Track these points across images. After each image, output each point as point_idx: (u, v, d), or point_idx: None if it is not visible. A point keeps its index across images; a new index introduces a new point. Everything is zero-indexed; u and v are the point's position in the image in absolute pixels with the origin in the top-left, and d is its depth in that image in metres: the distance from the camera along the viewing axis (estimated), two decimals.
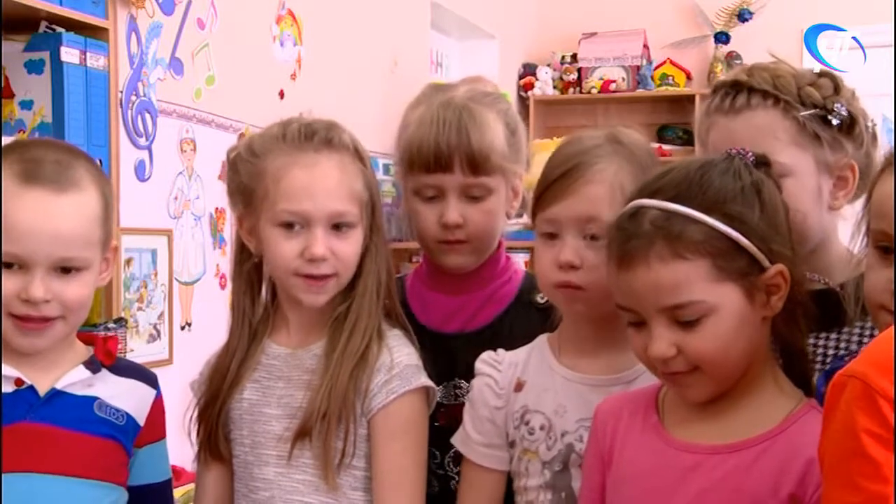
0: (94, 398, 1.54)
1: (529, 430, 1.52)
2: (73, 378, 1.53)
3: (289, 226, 1.56)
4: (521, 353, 1.58)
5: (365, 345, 1.56)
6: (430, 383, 1.58)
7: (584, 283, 1.47)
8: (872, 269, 1.30)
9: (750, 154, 1.35)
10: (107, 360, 1.58)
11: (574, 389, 1.51)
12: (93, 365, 1.56)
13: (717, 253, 1.26)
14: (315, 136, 1.58)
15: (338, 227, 1.57)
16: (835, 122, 1.53)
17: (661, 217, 1.28)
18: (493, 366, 1.57)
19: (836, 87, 1.57)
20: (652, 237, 1.27)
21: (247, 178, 1.60)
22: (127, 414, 1.57)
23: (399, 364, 1.56)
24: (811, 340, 1.49)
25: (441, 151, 1.65)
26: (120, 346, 2.78)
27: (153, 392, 1.62)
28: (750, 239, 1.28)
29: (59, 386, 1.52)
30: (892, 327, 1.08)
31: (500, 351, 1.59)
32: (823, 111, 1.53)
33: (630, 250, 1.28)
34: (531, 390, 1.54)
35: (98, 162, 2.81)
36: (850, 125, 1.54)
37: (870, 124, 1.58)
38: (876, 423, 1.00)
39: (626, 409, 1.40)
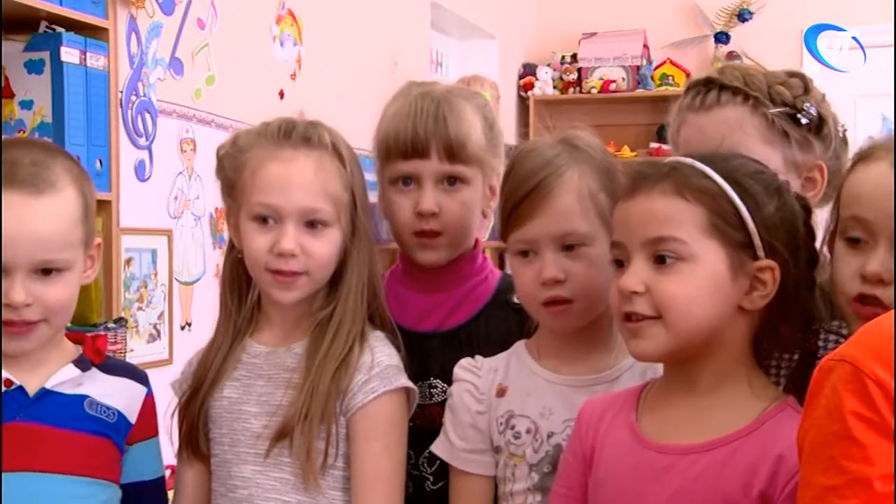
0: (85, 396, 1.54)
1: (515, 435, 1.52)
2: (63, 377, 1.53)
3: (262, 219, 1.56)
4: (499, 359, 1.58)
5: (348, 349, 1.56)
6: (410, 384, 1.57)
7: (571, 295, 1.48)
8: (840, 259, 1.31)
9: (794, 192, 1.37)
10: (96, 358, 1.57)
11: (558, 391, 1.52)
12: (82, 363, 1.55)
13: (716, 210, 1.29)
14: (294, 133, 1.59)
15: (311, 224, 1.56)
16: (804, 121, 1.55)
17: (679, 165, 1.33)
18: (473, 371, 1.57)
19: (806, 87, 1.59)
20: (663, 175, 1.31)
21: (230, 172, 1.61)
22: (118, 411, 1.56)
23: (379, 364, 1.55)
24: None
25: (418, 138, 1.65)
26: (120, 347, 2.78)
27: (144, 390, 1.61)
28: (753, 218, 1.29)
29: (48, 385, 1.51)
30: (884, 315, 1.08)
31: (478, 357, 1.59)
32: (793, 110, 1.55)
33: (639, 182, 1.33)
34: (514, 395, 1.54)
35: (98, 162, 2.82)
36: (819, 126, 1.56)
37: (840, 128, 1.60)
38: (864, 405, 1.00)
39: (609, 411, 1.40)
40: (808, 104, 1.55)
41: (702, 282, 1.28)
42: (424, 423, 1.63)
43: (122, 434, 1.57)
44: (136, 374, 1.63)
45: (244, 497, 1.58)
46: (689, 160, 1.33)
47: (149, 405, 1.62)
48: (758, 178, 1.32)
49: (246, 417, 1.59)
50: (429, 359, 1.67)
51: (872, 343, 1.04)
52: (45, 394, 1.51)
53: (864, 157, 1.32)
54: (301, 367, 1.57)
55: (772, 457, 1.24)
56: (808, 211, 1.37)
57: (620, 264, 1.33)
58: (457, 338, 1.69)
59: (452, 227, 1.68)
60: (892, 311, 1.08)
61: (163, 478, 1.67)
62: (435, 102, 1.67)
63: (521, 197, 1.49)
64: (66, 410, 1.52)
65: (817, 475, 1.03)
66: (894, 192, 1.23)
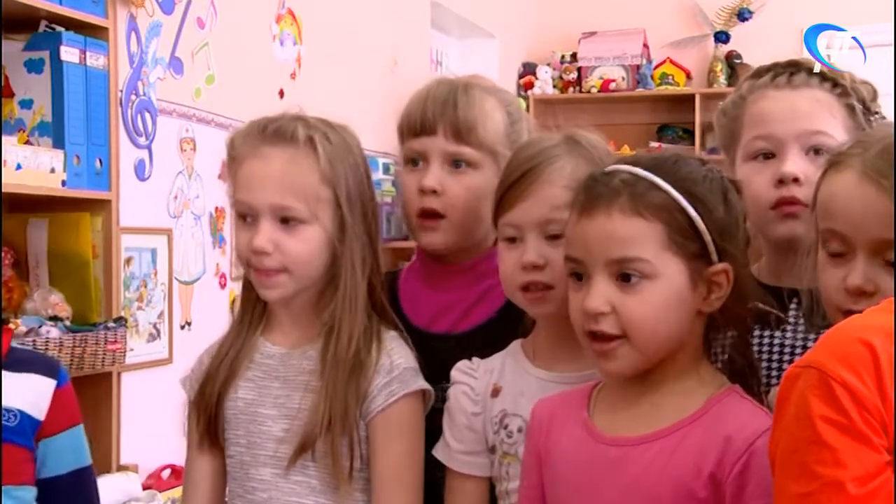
0: None
1: (508, 434, 1.52)
2: None
3: (243, 217, 1.58)
4: (495, 359, 1.58)
5: (355, 348, 1.55)
6: (427, 386, 1.57)
7: (550, 281, 1.48)
8: (824, 270, 1.31)
9: (723, 174, 1.39)
10: None
11: (550, 389, 1.51)
12: None
13: (673, 224, 1.30)
14: (268, 129, 1.59)
15: (285, 221, 1.55)
16: (874, 123, 1.57)
17: (632, 178, 1.32)
18: (469, 374, 1.57)
19: (875, 95, 1.62)
20: (619, 191, 1.31)
21: (228, 173, 1.64)
22: (20, 412, 1.51)
23: (398, 367, 1.55)
24: (756, 333, 1.53)
25: (427, 115, 1.66)
26: (120, 346, 2.78)
27: (52, 382, 1.56)
28: (707, 226, 1.31)
29: None
30: (847, 320, 1.10)
31: (475, 359, 1.59)
32: (867, 111, 1.58)
33: (595, 198, 1.32)
34: (508, 395, 1.54)
35: (98, 162, 2.82)
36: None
37: None
38: (833, 409, 1.01)
39: (561, 408, 1.41)
40: (878, 110, 1.59)
41: (665, 298, 1.29)
42: (433, 427, 1.61)
43: (29, 433, 1.52)
44: (44, 367, 1.57)
45: (263, 500, 1.57)
46: (638, 170, 1.32)
47: (61, 397, 1.56)
48: (706, 182, 1.34)
49: (262, 420, 1.59)
50: (443, 362, 1.62)
51: (837, 347, 1.05)
52: None
53: (833, 163, 1.32)
54: (317, 371, 1.56)
55: (719, 439, 1.26)
56: (738, 188, 1.39)
57: (579, 277, 1.33)
58: (472, 340, 1.66)
59: (455, 210, 1.66)
60: (856, 316, 1.10)
61: (84, 469, 1.61)
62: (450, 87, 1.69)
63: (512, 181, 1.49)
64: None
65: (791, 483, 1.03)
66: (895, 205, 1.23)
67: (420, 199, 1.66)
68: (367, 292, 1.59)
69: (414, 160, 1.69)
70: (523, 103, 1.78)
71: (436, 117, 1.66)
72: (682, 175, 1.33)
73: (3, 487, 1.47)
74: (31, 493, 1.53)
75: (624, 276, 1.29)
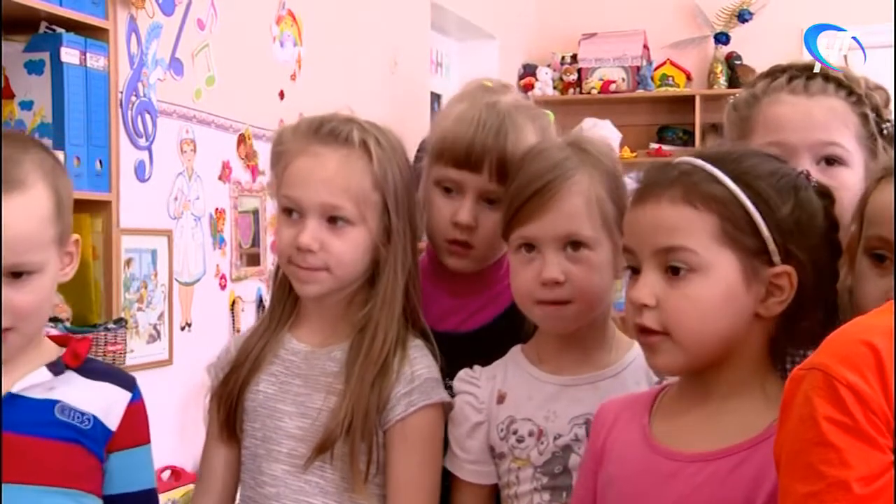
0: (56, 401, 1.47)
1: (518, 439, 1.52)
2: (32, 381, 1.46)
3: (288, 212, 1.58)
4: (496, 366, 1.58)
5: (385, 354, 1.55)
6: (448, 398, 1.58)
7: (570, 296, 1.48)
8: (865, 277, 1.29)
9: (814, 182, 1.33)
10: (73, 362, 1.49)
11: (562, 392, 1.52)
12: (56, 367, 1.48)
13: (728, 217, 1.25)
14: (322, 129, 1.59)
15: (332, 220, 1.56)
16: (885, 131, 1.56)
17: (689, 168, 1.28)
18: (472, 382, 1.57)
19: (888, 101, 1.60)
20: (673, 181, 1.27)
21: (272, 166, 1.65)
22: (94, 417, 1.49)
23: (419, 377, 1.55)
24: None
25: (475, 150, 1.62)
26: (120, 347, 2.78)
27: (128, 395, 1.53)
28: (767, 223, 1.26)
29: (14, 390, 1.44)
30: (850, 322, 1.09)
31: (476, 367, 1.59)
32: (879, 118, 1.56)
33: (649, 187, 1.29)
34: (514, 400, 1.54)
35: (98, 163, 2.82)
36: (893, 140, 1.57)
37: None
38: (837, 410, 1.01)
39: (625, 412, 1.39)
40: (889, 117, 1.57)
41: (714, 295, 1.25)
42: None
43: (100, 441, 1.50)
44: (121, 379, 1.55)
45: (272, 494, 1.58)
46: (699, 162, 1.28)
47: (134, 412, 1.54)
48: (771, 178, 1.28)
49: (280, 416, 1.59)
50: (445, 360, 1.62)
51: (840, 349, 1.05)
52: (11, 398, 1.44)
53: (890, 172, 1.29)
54: (341, 373, 1.57)
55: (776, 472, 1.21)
56: (829, 198, 1.33)
57: (635, 272, 1.29)
58: (476, 340, 1.67)
59: (485, 243, 1.65)
60: (859, 318, 1.10)
61: (151, 491, 1.60)
62: (500, 117, 1.63)
63: (527, 196, 1.48)
64: (34, 416, 1.45)
65: (796, 483, 1.03)
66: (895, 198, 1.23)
67: (452, 229, 1.65)
68: (403, 297, 1.60)
69: (447, 188, 1.65)
70: (552, 116, 1.75)
71: (484, 153, 1.61)
72: (743, 168, 1.27)
73: (70, 490, 1.47)
74: (97, 503, 1.51)
75: (673, 268, 1.25)
